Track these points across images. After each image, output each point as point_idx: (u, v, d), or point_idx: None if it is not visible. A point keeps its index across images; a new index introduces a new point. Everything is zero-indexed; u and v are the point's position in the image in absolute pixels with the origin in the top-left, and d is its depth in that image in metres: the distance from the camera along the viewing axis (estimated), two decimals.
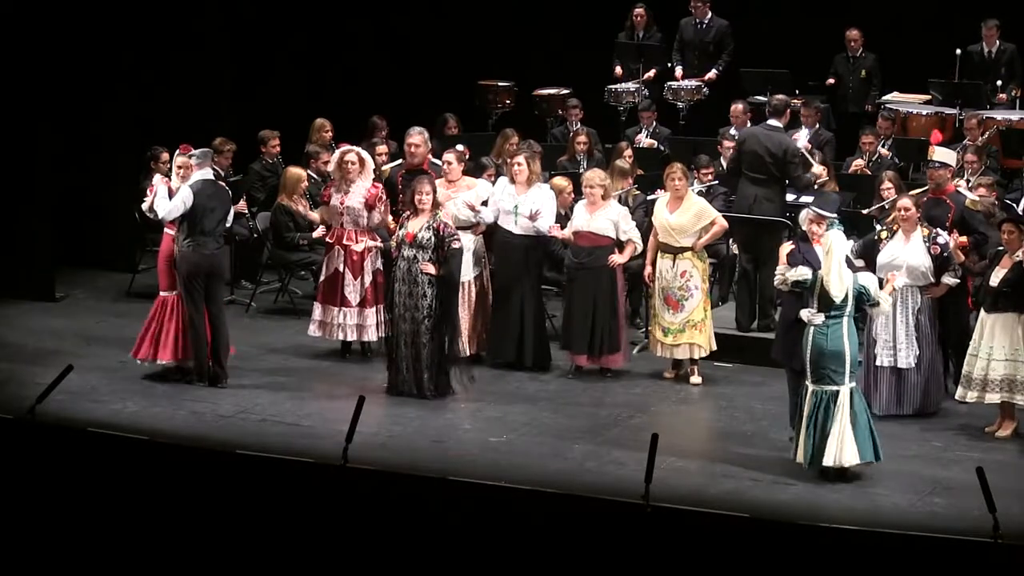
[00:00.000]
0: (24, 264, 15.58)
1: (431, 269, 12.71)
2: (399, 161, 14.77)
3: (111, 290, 15.89)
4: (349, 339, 13.63)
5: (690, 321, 13.22)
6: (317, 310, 13.72)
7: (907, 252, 12.37)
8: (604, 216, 13.31)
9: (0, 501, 10.77)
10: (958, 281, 12.38)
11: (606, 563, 9.64)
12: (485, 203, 13.75)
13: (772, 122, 14.57)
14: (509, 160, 13.91)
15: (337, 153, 13.97)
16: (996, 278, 12.04)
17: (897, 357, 12.38)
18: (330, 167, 14.04)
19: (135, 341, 13.08)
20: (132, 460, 10.77)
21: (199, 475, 10.60)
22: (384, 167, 14.92)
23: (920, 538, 9.56)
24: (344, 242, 13.59)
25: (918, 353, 12.42)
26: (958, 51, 17.06)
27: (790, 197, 14.28)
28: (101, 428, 11.40)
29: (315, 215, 14.29)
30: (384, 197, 13.76)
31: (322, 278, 13.75)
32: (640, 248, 13.49)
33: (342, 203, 13.66)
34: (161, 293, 13.10)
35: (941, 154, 13.18)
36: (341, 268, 13.58)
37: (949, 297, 12.59)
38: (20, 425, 10.76)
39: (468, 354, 13.60)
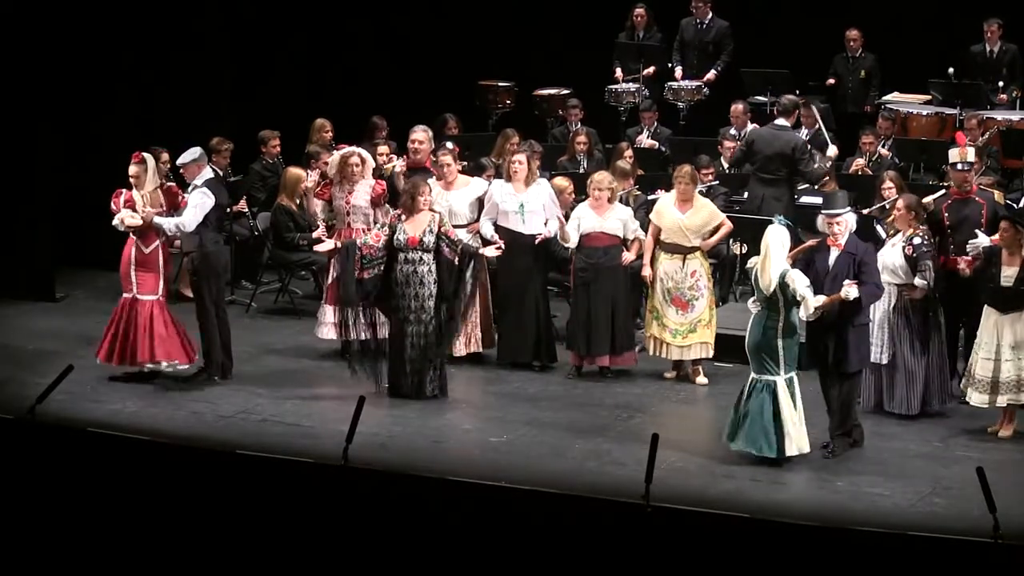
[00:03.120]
0: (24, 264, 15.59)
1: (492, 252, 12.98)
2: (402, 159, 14.77)
3: (111, 290, 15.80)
4: (365, 338, 13.47)
5: (700, 320, 13.26)
6: (327, 312, 13.64)
7: (890, 250, 12.39)
8: (614, 216, 13.35)
9: (0, 501, 10.76)
10: (926, 283, 12.30)
11: (606, 563, 9.63)
12: (481, 202, 13.75)
13: (780, 121, 14.66)
14: (509, 158, 13.90)
15: (337, 155, 13.93)
16: (1008, 279, 11.98)
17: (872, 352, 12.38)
18: (331, 170, 14.00)
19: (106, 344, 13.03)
20: (132, 460, 10.77)
21: (199, 475, 10.59)
22: (387, 165, 14.91)
23: (920, 538, 9.55)
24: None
25: (892, 351, 12.41)
26: (950, 70, 17.09)
27: (814, 200, 14.28)
28: (101, 428, 11.40)
29: (317, 210, 14.25)
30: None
31: (331, 280, 13.66)
32: (644, 243, 13.56)
33: (347, 203, 13.64)
34: (138, 297, 13.00)
35: (971, 155, 13.14)
36: None
37: (954, 298, 12.57)
38: (20, 425, 10.75)
39: (470, 351, 13.62)
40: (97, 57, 16.31)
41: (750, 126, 16.54)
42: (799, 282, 11.28)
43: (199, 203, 12.96)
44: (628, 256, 13.41)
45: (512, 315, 13.63)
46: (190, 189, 13.08)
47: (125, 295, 13.03)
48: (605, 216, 13.33)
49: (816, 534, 9.68)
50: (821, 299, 11.36)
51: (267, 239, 15.56)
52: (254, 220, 15.82)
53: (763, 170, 14.47)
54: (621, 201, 14.24)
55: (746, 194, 14.81)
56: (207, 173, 13.21)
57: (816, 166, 14.66)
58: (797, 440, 11.37)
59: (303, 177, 15.18)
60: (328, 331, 13.65)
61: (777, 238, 11.43)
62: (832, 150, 15.32)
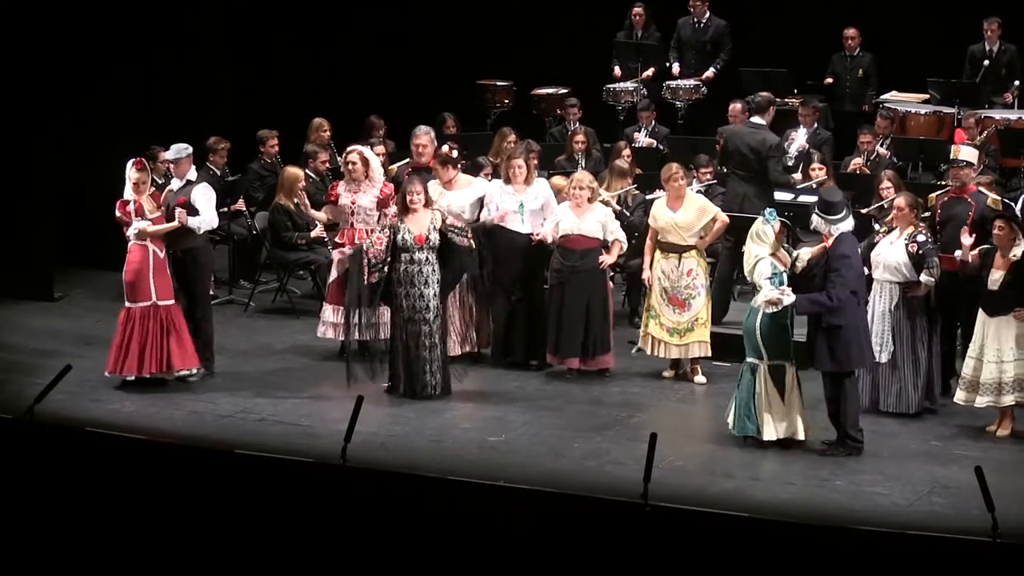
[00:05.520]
0: (24, 264, 15.58)
1: (465, 242, 12.83)
2: (406, 160, 14.78)
3: (110, 290, 15.82)
4: (365, 339, 13.44)
5: (698, 319, 13.25)
6: (328, 311, 13.63)
7: (890, 249, 12.38)
8: (592, 218, 13.30)
9: None
10: (933, 280, 12.32)
11: (605, 563, 9.63)
12: (481, 202, 13.75)
13: (755, 119, 14.65)
14: (507, 162, 13.88)
15: (344, 153, 13.97)
16: (994, 282, 12.00)
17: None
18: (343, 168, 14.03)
19: (114, 356, 12.87)
20: (131, 460, 10.76)
21: (198, 475, 10.59)
22: (391, 166, 14.93)
23: (919, 537, 9.55)
24: (356, 242, 13.47)
25: (892, 350, 12.41)
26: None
27: (787, 196, 14.29)
28: (100, 428, 11.39)
29: (320, 214, 14.24)
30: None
31: (332, 279, 13.64)
32: (626, 247, 13.52)
33: (353, 203, 13.63)
34: (159, 303, 12.89)
35: (967, 153, 13.11)
36: None
37: (958, 296, 12.58)
38: (19, 425, 10.74)
39: (467, 351, 13.62)
40: (97, 57, 16.31)
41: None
42: (759, 272, 11.58)
43: (208, 197, 13.05)
44: (606, 259, 13.35)
45: (507, 314, 13.62)
46: (179, 186, 13.08)
47: (141, 303, 12.79)
48: (583, 217, 13.28)
49: (816, 534, 9.68)
50: (767, 293, 11.55)
51: (265, 239, 15.55)
52: (252, 220, 15.82)
53: (740, 167, 14.49)
54: (619, 201, 14.24)
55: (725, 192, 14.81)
56: (193, 171, 13.28)
57: (780, 170, 14.68)
58: (773, 426, 11.67)
59: (301, 176, 15.19)
60: (327, 331, 13.64)
61: (754, 228, 11.76)
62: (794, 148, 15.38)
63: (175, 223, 12.83)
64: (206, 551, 10.37)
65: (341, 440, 10.09)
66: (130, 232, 12.78)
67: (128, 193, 12.82)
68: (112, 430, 11.37)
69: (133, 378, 12.86)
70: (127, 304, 12.85)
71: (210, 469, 10.65)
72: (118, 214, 12.82)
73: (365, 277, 12.67)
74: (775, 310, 11.59)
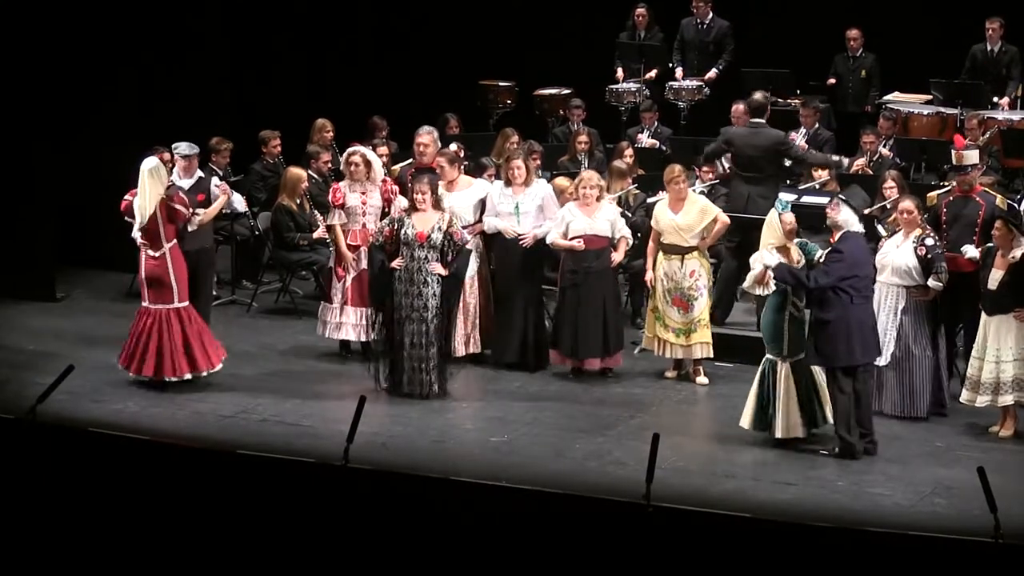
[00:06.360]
0: (24, 264, 15.57)
1: (440, 269, 12.70)
2: (409, 160, 14.76)
3: (111, 290, 15.88)
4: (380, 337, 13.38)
5: (700, 320, 13.25)
6: (350, 313, 13.60)
7: (897, 251, 12.38)
8: (603, 217, 13.30)
9: (0, 501, 10.76)
10: (941, 285, 12.32)
11: (607, 563, 9.62)
12: (483, 203, 13.73)
13: (756, 120, 14.66)
14: (507, 163, 13.87)
15: (345, 154, 13.95)
16: (994, 281, 12.01)
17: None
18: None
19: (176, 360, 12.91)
20: (133, 460, 10.75)
21: (200, 475, 10.58)
22: (394, 167, 14.91)
23: (921, 538, 9.55)
24: (370, 239, 13.38)
25: (893, 352, 12.40)
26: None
27: (791, 197, 14.28)
28: (102, 428, 11.38)
29: (336, 227, 14.04)
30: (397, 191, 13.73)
31: (349, 282, 13.64)
32: (631, 243, 13.51)
33: (364, 203, 13.59)
34: (177, 305, 12.90)
35: (971, 156, 13.09)
36: None
37: (961, 296, 12.58)
38: (21, 425, 10.74)
39: (469, 352, 13.60)
40: (97, 57, 16.30)
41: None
42: (759, 260, 11.70)
43: (223, 187, 13.51)
44: (617, 257, 13.36)
45: (504, 315, 13.62)
46: (191, 184, 13.14)
47: (180, 304, 12.82)
48: (594, 217, 13.28)
49: (817, 534, 9.67)
50: (756, 271, 11.77)
51: (267, 239, 15.55)
52: (254, 220, 15.81)
53: (747, 169, 14.49)
54: (620, 201, 14.23)
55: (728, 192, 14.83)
56: (198, 171, 13.58)
57: (800, 153, 14.79)
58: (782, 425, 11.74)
59: (304, 177, 15.17)
60: (348, 332, 13.57)
61: (768, 218, 11.94)
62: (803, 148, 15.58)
63: (222, 200, 13.36)
64: (208, 551, 10.36)
65: (343, 440, 10.06)
66: (196, 222, 12.97)
67: (162, 188, 12.77)
68: (114, 430, 11.36)
69: (190, 377, 12.87)
70: (177, 304, 12.82)
71: (212, 469, 10.64)
72: (183, 210, 12.75)
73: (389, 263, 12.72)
74: (762, 291, 11.70)
